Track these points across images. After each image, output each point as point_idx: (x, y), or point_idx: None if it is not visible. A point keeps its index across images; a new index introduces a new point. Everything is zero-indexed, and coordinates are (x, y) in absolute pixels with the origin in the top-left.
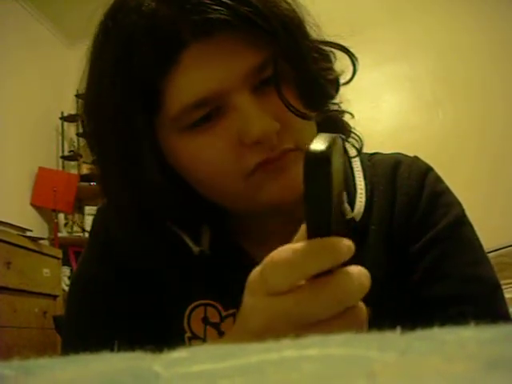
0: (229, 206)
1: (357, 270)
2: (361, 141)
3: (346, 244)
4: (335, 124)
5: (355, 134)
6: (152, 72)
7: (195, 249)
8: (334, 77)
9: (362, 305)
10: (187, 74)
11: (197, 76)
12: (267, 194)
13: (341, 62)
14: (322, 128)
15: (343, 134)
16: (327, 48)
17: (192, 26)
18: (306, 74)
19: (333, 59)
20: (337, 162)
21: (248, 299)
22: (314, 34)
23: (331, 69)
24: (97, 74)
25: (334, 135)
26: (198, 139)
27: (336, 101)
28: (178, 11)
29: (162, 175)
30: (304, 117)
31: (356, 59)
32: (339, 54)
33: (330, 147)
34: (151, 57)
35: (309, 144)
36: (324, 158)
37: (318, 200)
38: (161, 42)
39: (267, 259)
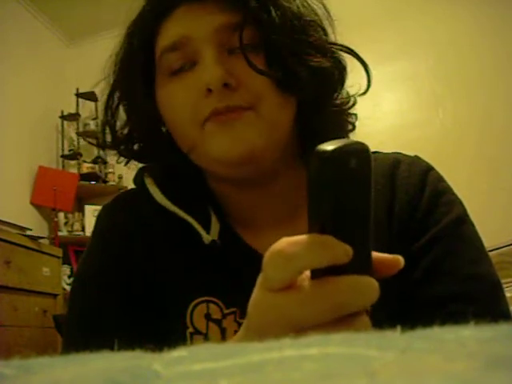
0: (195, 160)
1: (365, 280)
2: (355, 117)
3: (343, 246)
4: (316, 107)
5: (350, 114)
6: (149, 26)
7: (206, 237)
8: (316, 65)
9: (365, 318)
10: (172, 25)
11: (177, 25)
12: (217, 147)
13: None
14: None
15: (340, 130)
16: (332, 48)
17: None
18: (271, 46)
19: (342, 61)
20: (349, 165)
21: (254, 293)
22: (316, 32)
23: (313, 55)
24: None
25: (357, 143)
26: (171, 86)
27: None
28: None
29: (154, 118)
30: (260, 72)
31: (366, 64)
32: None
33: (339, 149)
34: (153, 12)
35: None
36: (327, 156)
37: (318, 197)
38: (160, 3)
39: (267, 252)
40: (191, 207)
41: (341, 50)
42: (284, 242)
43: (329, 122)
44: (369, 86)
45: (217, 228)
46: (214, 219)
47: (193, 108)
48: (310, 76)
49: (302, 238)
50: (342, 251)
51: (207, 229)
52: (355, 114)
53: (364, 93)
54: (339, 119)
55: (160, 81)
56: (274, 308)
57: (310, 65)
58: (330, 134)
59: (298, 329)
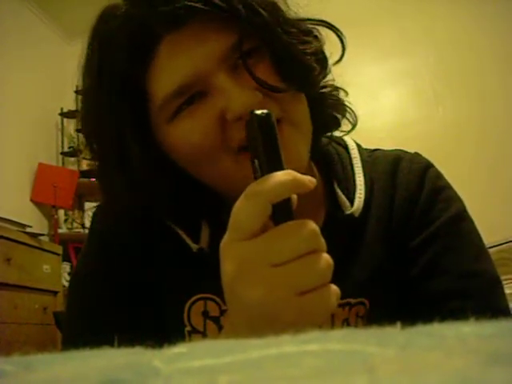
0: (230, 191)
1: (310, 221)
2: (355, 115)
3: (306, 176)
4: (328, 98)
5: (349, 108)
6: (132, 71)
7: (193, 246)
8: (313, 49)
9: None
10: (165, 66)
11: (173, 66)
12: None
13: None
14: (315, 103)
15: (337, 109)
16: (307, 25)
17: (161, 19)
18: (277, 49)
19: (318, 35)
20: (272, 119)
21: (221, 256)
22: (291, 11)
23: (309, 42)
24: (86, 82)
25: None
26: (184, 124)
27: (329, 80)
28: (147, 8)
29: (157, 169)
30: (278, 90)
31: (341, 33)
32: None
33: (268, 112)
34: (129, 56)
35: (253, 112)
36: (270, 115)
37: (271, 143)
38: (135, 40)
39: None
40: (180, 216)
41: (315, 24)
42: (247, 189)
43: (323, 106)
44: (343, 53)
45: (206, 235)
46: (204, 227)
47: (220, 139)
48: (316, 62)
49: (264, 177)
50: (306, 179)
51: (198, 236)
52: (345, 105)
53: (339, 60)
54: (327, 99)
55: (164, 124)
56: (254, 252)
57: (312, 51)
58: (326, 117)
59: (275, 269)
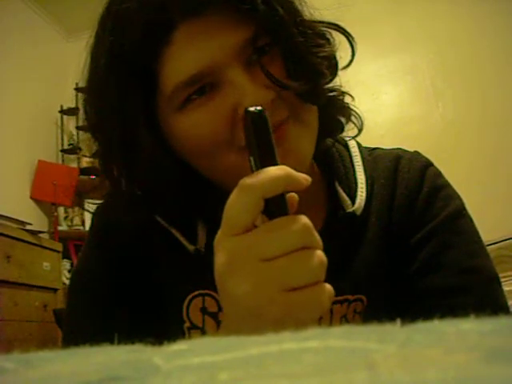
0: (232, 187)
1: (303, 216)
2: (361, 119)
3: (301, 174)
4: (334, 102)
5: (356, 113)
6: (145, 55)
7: (190, 247)
8: (326, 54)
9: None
10: (179, 54)
11: (188, 54)
12: None
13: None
14: (321, 106)
15: (343, 114)
16: (321, 27)
17: (180, 6)
18: (291, 49)
19: (331, 38)
20: (265, 115)
21: (214, 250)
22: (307, 12)
23: (323, 45)
24: (95, 63)
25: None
26: (193, 115)
27: (336, 84)
28: None
29: (163, 158)
30: (291, 89)
31: (352, 38)
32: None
33: (262, 109)
34: (143, 40)
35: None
36: (262, 111)
37: (264, 139)
38: (151, 24)
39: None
40: (178, 216)
41: (329, 28)
42: (241, 181)
43: (328, 109)
44: (352, 58)
45: (203, 236)
46: (200, 227)
47: (228, 133)
48: (327, 67)
49: (258, 172)
50: (301, 176)
51: (195, 236)
52: (351, 109)
53: (347, 66)
54: (333, 103)
55: (171, 113)
56: (244, 246)
57: (324, 55)
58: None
59: (265, 263)
